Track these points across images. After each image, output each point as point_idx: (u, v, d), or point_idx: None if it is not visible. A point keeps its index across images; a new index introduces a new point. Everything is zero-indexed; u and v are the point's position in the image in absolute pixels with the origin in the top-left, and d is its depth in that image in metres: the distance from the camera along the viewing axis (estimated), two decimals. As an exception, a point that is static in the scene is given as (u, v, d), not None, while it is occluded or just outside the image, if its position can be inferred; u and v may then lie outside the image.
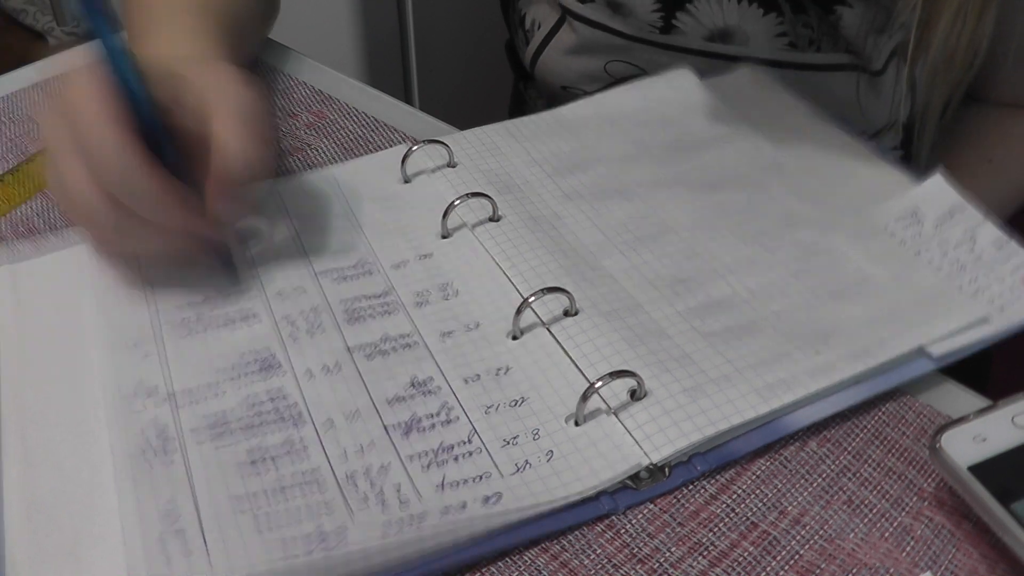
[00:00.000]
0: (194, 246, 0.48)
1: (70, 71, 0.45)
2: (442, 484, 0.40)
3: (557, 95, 0.77)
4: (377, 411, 0.43)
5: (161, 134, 0.45)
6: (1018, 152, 0.73)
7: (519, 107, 0.88)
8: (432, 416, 0.43)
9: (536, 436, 0.42)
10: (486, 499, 0.39)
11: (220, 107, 0.45)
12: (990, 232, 0.50)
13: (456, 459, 0.41)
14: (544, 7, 0.73)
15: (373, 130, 0.62)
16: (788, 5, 0.63)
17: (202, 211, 0.46)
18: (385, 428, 0.42)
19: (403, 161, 0.56)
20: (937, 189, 0.53)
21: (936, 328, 0.45)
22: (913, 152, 0.74)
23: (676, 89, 0.62)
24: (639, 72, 0.71)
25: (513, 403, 0.44)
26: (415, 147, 0.56)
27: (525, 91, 0.85)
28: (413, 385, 0.44)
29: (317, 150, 0.60)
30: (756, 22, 0.65)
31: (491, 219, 0.52)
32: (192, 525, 0.38)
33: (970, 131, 0.74)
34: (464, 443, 0.42)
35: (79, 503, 0.40)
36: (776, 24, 0.65)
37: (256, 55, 0.67)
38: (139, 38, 0.55)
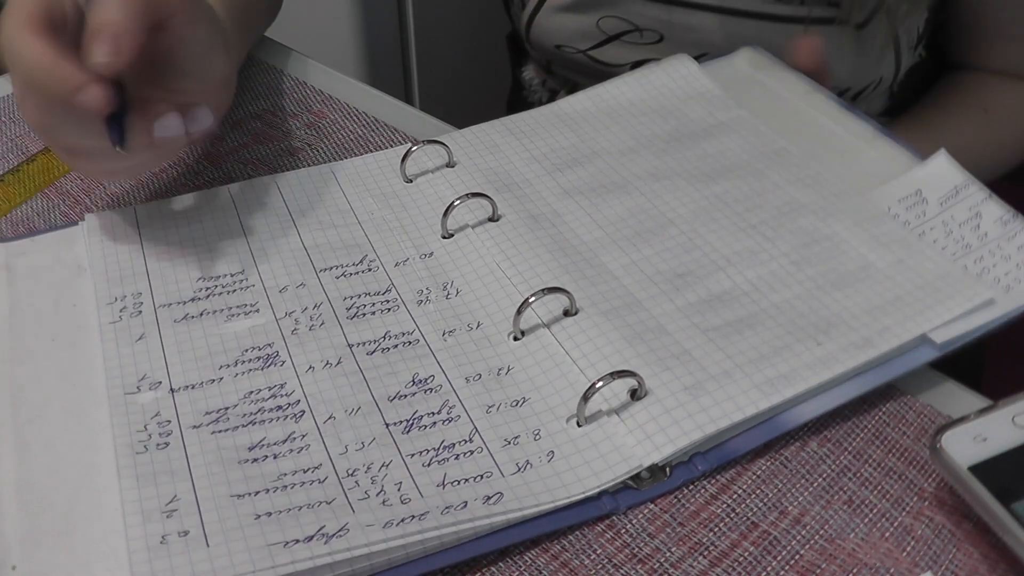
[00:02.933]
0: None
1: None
2: (443, 482, 0.40)
3: (552, 57, 0.78)
4: (378, 408, 0.43)
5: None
6: (1012, 107, 0.73)
7: (516, 96, 0.89)
8: (433, 414, 0.43)
9: (537, 436, 0.42)
10: (487, 498, 0.39)
11: None
12: (995, 209, 0.50)
13: (457, 458, 0.41)
14: None
15: (373, 130, 0.62)
16: None
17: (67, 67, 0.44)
18: (386, 425, 0.42)
19: (402, 161, 0.56)
20: (941, 168, 0.53)
21: (940, 313, 0.45)
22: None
23: (675, 77, 0.62)
24: (630, 27, 0.72)
25: (514, 403, 0.44)
26: (415, 147, 0.56)
27: (521, 75, 0.86)
28: (414, 383, 0.44)
29: (317, 150, 0.60)
30: None
31: (490, 219, 0.52)
32: (193, 520, 0.38)
33: (966, 87, 0.74)
34: (465, 442, 0.42)
35: (72, 483, 0.40)
36: None
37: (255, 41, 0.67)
38: None
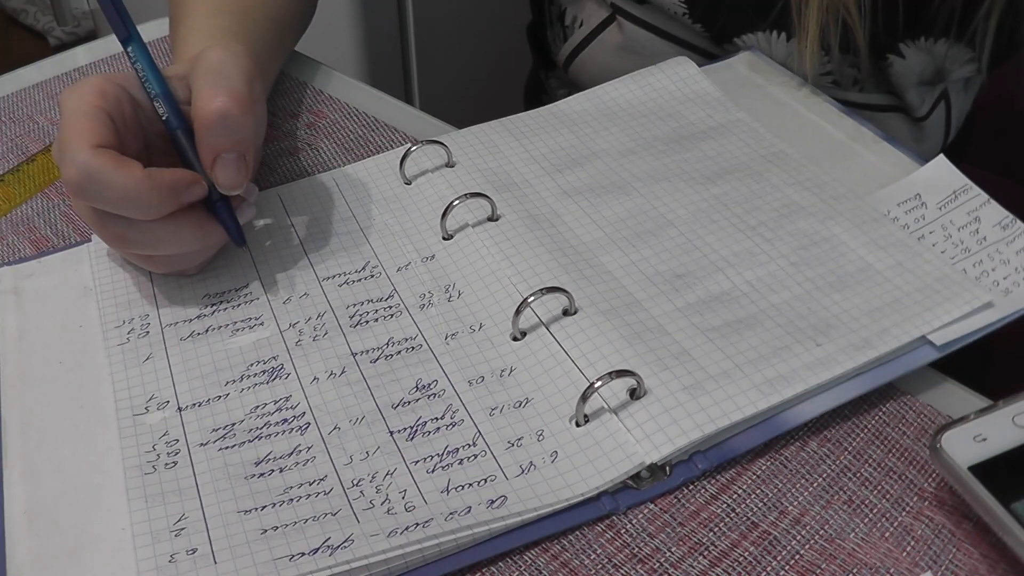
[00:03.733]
0: (197, 226, 0.48)
1: (65, 97, 0.46)
2: (447, 488, 0.40)
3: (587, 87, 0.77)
4: (382, 416, 0.43)
5: (185, 131, 0.47)
6: None
7: (536, 95, 0.86)
8: (437, 419, 0.43)
9: (540, 437, 0.42)
10: (491, 502, 0.39)
11: (197, 77, 0.46)
12: (995, 213, 0.50)
13: (461, 462, 0.41)
14: (591, 4, 0.71)
15: (373, 130, 0.62)
16: (837, 44, 0.63)
17: (178, 183, 0.45)
18: (390, 433, 0.43)
19: (401, 163, 0.56)
20: (940, 171, 0.53)
21: (939, 315, 0.45)
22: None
23: (674, 79, 0.62)
24: None
25: (517, 404, 0.44)
26: (413, 148, 0.56)
27: (546, 80, 0.84)
28: (418, 389, 0.45)
29: (317, 150, 0.60)
30: (813, 67, 0.64)
31: (490, 219, 0.52)
32: (201, 538, 0.39)
33: None
34: (469, 446, 0.42)
35: (81, 505, 0.41)
36: (823, 63, 0.64)
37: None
38: (178, 44, 0.56)
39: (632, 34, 0.69)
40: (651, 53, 0.69)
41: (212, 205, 0.48)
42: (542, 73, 0.84)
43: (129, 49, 0.47)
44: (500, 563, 0.39)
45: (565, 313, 0.46)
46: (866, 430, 0.44)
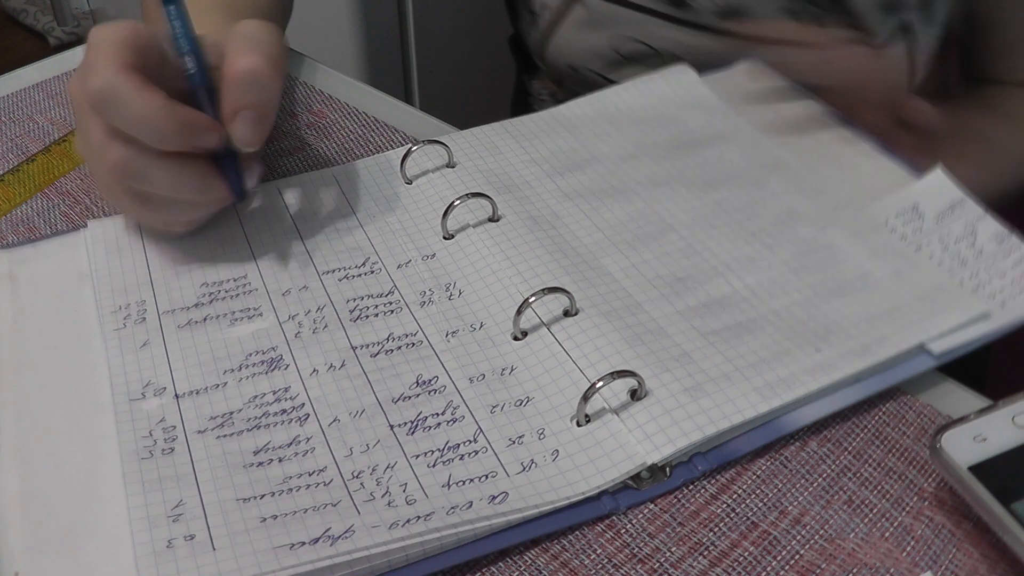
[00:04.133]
0: (207, 171, 0.48)
1: (95, 31, 0.46)
2: (448, 483, 0.40)
3: (565, 77, 0.77)
4: (383, 410, 0.43)
5: (207, 90, 0.48)
6: None
7: (522, 101, 0.87)
8: (438, 415, 0.43)
9: (541, 436, 0.42)
10: (492, 498, 0.39)
11: (232, 40, 0.47)
12: (991, 226, 0.51)
13: (462, 458, 0.41)
14: None
15: (373, 130, 0.62)
16: None
17: (196, 124, 0.46)
18: (391, 427, 0.43)
19: (402, 162, 0.56)
20: (938, 183, 0.53)
21: (937, 324, 0.46)
22: None
23: (675, 86, 0.62)
24: (648, 51, 0.71)
25: (518, 403, 0.44)
26: (414, 147, 0.56)
27: (529, 84, 0.85)
28: (418, 384, 0.44)
29: (317, 150, 0.60)
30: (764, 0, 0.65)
31: (491, 219, 0.52)
32: (199, 524, 0.38)
33: (988, 96, 0.73)
34: (470, 442, 0.42)
35: (76, 491, 0.40)
36: (784, 1, 0.65)
37: None
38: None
39: (595, 7, 0.70)
40: (616, 23, 0.70)
41: (219, 160, 0.48)
42: (525, 77, 0.86)
43: (171, 7, 0.48)
44: (500, 563, 0.39)
45: (566, 314, 0.46)
46: (866, 430, 0.44)
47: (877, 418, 0.44)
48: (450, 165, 0.56)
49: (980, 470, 0.38)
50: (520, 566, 0.39)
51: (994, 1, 0.68)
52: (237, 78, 0.46)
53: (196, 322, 0.47)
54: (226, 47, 0.47)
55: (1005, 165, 0.68)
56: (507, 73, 0.95)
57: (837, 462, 0.42)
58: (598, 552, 0.39)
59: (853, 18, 0.66)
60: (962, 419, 0.40)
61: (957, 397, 0.45)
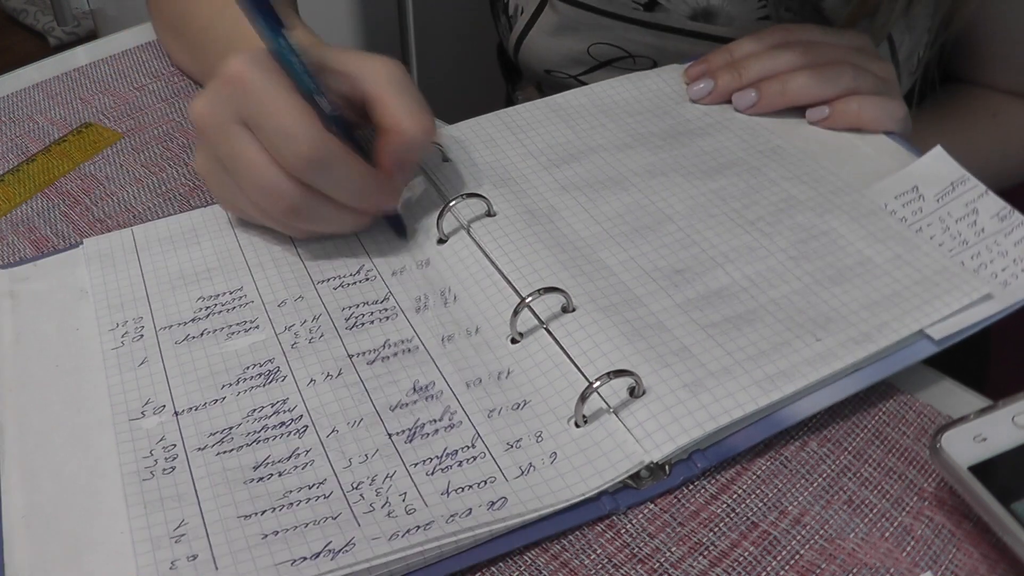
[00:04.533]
0: (373, 219, 0.51)
1: (232, 54, 0.46)
2: (447, 490, 0.40)
3: (542, 81, 0.77)
4: (380, 418, 0.43)
5: (340, 122, 0.48)
6: (1020, 119, 0.72)
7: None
8: (435, 421, 0.43)
9: (539, 438, 0.42)
10: (491, 504, 0.39)
11: (376, 85, 0.48)
12: (992, 204, 0.50)
13: (460, 464, 0.41)
14: None
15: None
16: None
17: (385, 186, 0.48)
18: (389, 435, 0.43)
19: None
20: (937, 162, 0.52)
21: (938, 308, 0.45)
22: None
23: (668, 81, 0.62)
24: (622, 54, 0.71)
25: (515, 406, 0.44)
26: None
27: (513, 95, 0.85)
28: (415, 391, 0.44)
29: (317, 150, 0.60)
30: (739, 3, 0.65)
31: (487, 214, 0.52)
32: (202, 544, 0.39)
33: (974, 96, 0.73)
34: (468, 448, 0.42)
35: (79, 509, 0.41)
36: (759, 7, 0.65)
37: None
38: (219, 38, 0.57)
39: (565, 12, 0.70)
40: (587, 27, 0.70)
41: None
42: (509, 87, 0.86)
43: (281, 41, 0.45)
44: (500, 563, 0.39)
45: (564, 310, 0.46)
46: (866, 430, 0.44)
47: (877, 418, 0.44)
48: (445, 160, 0.55)
49: (980, 470, 0.38)
50: (520, 566, 0.39)
51: (981, 11, 0.67)
52: (410, 139, 0.47)
53: (193, 337, 0.47)
54: (373, 89, 0.47)
55: (988, 161, 0.67)
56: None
57: (837, 462, 0.42)
58: (598, 552, 0.39)
59: (829, 24, 0.66)
60: (962, 419, 0.40)
61: (957, 397, 0.45)
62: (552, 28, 0.72)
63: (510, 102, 0.87)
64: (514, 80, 0.86)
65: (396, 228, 0.52)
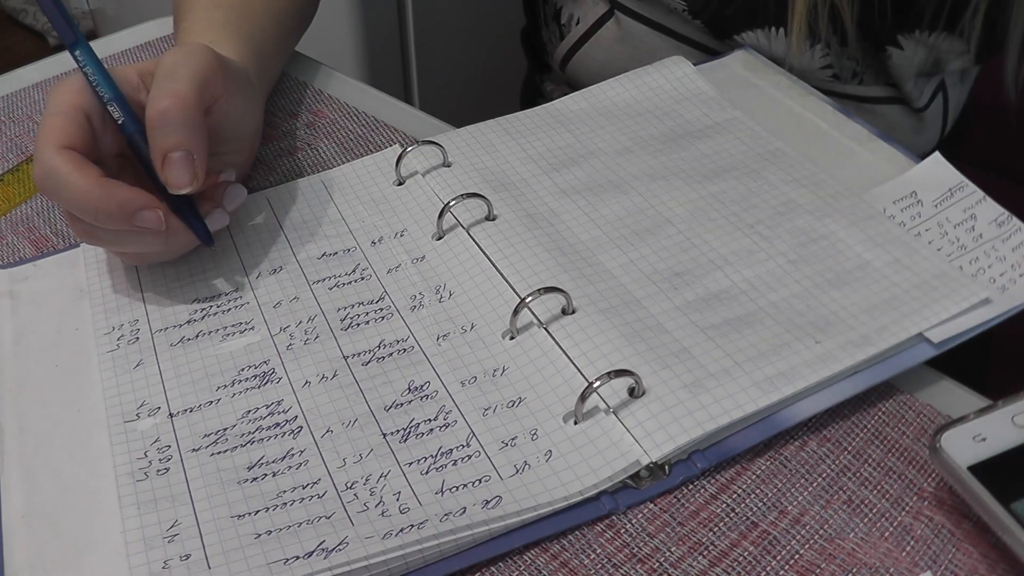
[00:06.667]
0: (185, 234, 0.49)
1: (49, 96, 0.47)
2: (441, 489, 0.40)
3: (582, 86, 0.77)
4: (375, 418, 0.43)
5: (131, 129, 0.47)
6: None
7: (532, 99, 0.86)
8: (430, 421, 0.43)
9: (534, 436, 0.42)
10: (486, 503, 0.39)
11: (153, 83, 0.47)
12: (990, 210, 0.50)
13: (455, 463, 0.41)
14: (588, 1, 0.71)
15: (373, 130, 0.62)
16: (836, 39, 0.63)
17: (120, 197, 0.46)
18: (383, 435, 0.43)
19: (397, 163, 0.56)
20: (936, 168, 0.52)
21: (937, 312, 0.45)
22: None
23: (670, 78, 0.62)
24: None
25: (511, 404, 0.44)
26: (409, 149, 0.55)
27: (541, 83, 0.84)
28: (410, 390, 0.44)
29: (317, 150, 0.60)
30: (802, 54, 0.64)
31: (487, 218, 0.52)
32: (195, 544, 0.39)
33: None
34: (463, 447, 0.42)
35: (78, 509, 0.41)
36: (822, 56, 0.64)
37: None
38: (179, 39, 0.57)
39: (630, 29, 0.69)
40: (649, 48, 0.69)
41: (177, 209, 0.48)
42: (537, 77, 0.84)
43: (77, 53, 0.47)
44: (500, 563, 0.39)
45: (563, 312, 0.46)
46: (866, 430, 0.43)
47: (877, 418, 0.44)
48: (446, 164, 0.56)
49: (980, 470, 0.38)
50: (520, 566, 0.39)
51: None
52: (151, 125, 0.45)
53: (188, 339, 0.47)
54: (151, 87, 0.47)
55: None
56: (507, 72, 0.94)
57: (837, 462, 0.42)
58: (598, 552, 0.39)
59: (892, 81, 0.66)
60: (962, 419, 0.39)
61: (957, 397, 0.45)
62: (612, 43, 0.71)
63: (534, 90, 0.86)
64: (541, 69, 0.84)
65: (197, 232, 0.49)
